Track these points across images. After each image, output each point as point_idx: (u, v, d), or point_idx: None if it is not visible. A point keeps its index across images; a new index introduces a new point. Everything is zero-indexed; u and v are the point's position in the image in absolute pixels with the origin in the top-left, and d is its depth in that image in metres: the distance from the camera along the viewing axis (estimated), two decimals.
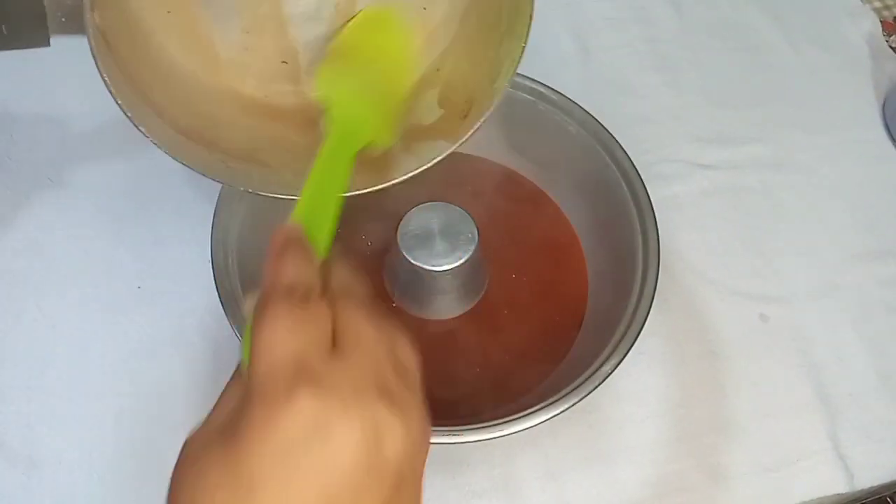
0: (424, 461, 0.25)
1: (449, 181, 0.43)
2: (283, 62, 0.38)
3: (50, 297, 0.47)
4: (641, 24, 0.63)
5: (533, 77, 0.47)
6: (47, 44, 0.31)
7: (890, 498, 0.44)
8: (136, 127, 0.31)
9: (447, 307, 0.46)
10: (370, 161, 0.37)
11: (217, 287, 0.40)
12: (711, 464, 0.44)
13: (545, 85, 0.47)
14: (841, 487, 0.44)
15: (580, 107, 0.47)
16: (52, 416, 0.43)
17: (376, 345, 0.24)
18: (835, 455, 0.45)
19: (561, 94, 0.47)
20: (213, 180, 0.34)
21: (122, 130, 0.31)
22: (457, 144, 0.37)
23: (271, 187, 0.36)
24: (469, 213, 0.44)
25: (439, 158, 0.37)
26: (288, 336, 0.22)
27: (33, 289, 0.47)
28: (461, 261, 0.42)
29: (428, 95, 0.39)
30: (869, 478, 0.44)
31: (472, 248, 0.43)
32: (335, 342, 0.23)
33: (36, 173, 0.51)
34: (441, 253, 0.42)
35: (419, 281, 0.44)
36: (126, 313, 0.46)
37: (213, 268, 0.40)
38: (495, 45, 0.37)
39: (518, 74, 0.47)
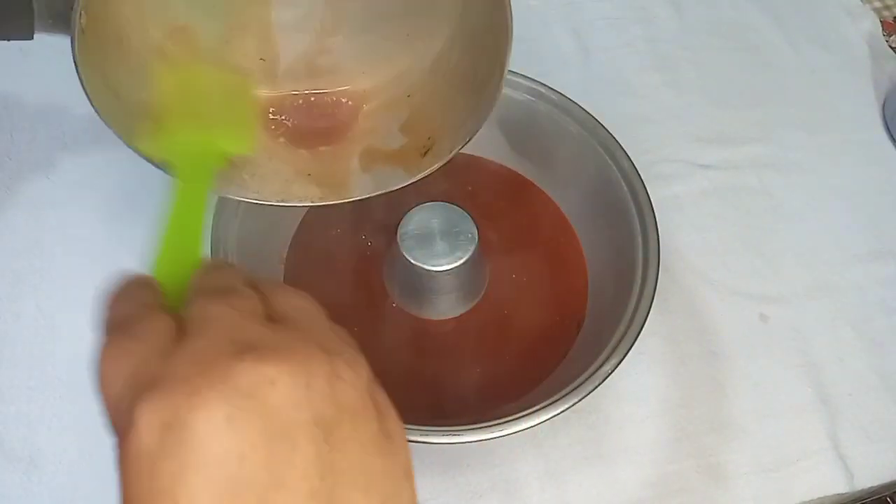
0: (362, 384, 0.21)
1: (449, 181, 0.43)
2: (262, 59, 0.39)
3: (50, 297, 0.47)
4: (641, 23, 0.63)
5: (533, 77, 0.47)
6: (31, 36, 0.31)
7: (890, 498, 0.44)
8: (113, 131, 0.32)
9: (447, 307, 0.46)
10: (328, 175, 0.39)
11: None
12: (711, 464, 0.44)
13: (545, 85, 0.47)
14: (841, 487, 0.44)
15: (580, 107, 0.47)
16: (52, 416, 0.43)
17: (230, 312, 0.21)
18: (835, 455, 0.45)
19: (561, 94, 0.47)
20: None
21: None
22: (414, 179, 0.38)
23: (231, 189, 0.37)
24: (469, 213, 0.44)
25: (397, 187, 0.39)
26: (119, 360, 0.20)
27: (33, 289, 0.47)
28: (461, 261, 0.42)
29: (393, 118, 0.40)
30: (869, 478, 0.44)
31: (472, 248, 0.43)
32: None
33: (36, 172, 0.51)
34: (441, 253, 0.42)
35: (419, 281, 0.44)
36: None
37: None
38: (466, 94, 0.38)
39: (518, 74, 0.48)
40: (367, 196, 0.39)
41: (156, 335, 0.20)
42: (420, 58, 0.39)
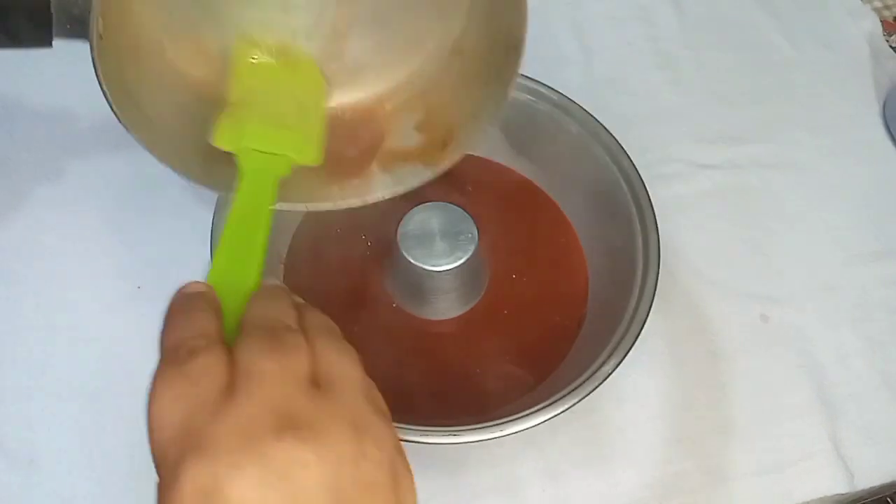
0: (386, 459, 0.23)
1: (449, 181, 0.43)
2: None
3: (50, 297, 0.47)
4: (642, 23, 0.63)
5: (533, 77, 0.47)
6: (50, 45, 0.31)
7: (890, 498, 0.44)
8: (133, 136, 0.32)
9: (447, 307, 0.46)
10: (348, 176, 0.38)
11: None
12: (712, 464, 0.44)
13: (545, 85, 0.47)
14: (841, 488, 0.44)
15: (580, 106, 0.47)
16: (52, 416, 0.43)
17: (279, 373, 0.22)
18: (835, 455, 0.45)
19: (561, 93, 0.47)
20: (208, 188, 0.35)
21: (122, 130, 0.31)
22: (435, 174, 0.38)
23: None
24: (469, 213, 0.44)
25: (419, 183, 0.38)
26: (173, 404, 0.21)
27: (33, 289, 0.47)
28: (461, 261, 0.42)
29: (408, 118, 0.39)
30: (869, 478, 0.44)
31: (472, 248, 0.43)
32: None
33: (36, 173, 0.51)
34: (441, 253, 0.42)
35: (419, 281, 0.44)
36: (126, 313, 0.46)
37: None
38: (482, 84, 0.37)
39: (518, 74, 0.47)
40: (390, 196, 0.38)
41: (209, 381, 0.22)
42: (433, 53, 0.39)
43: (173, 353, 0.23)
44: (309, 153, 0.35)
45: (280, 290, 0.27)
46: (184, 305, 0.25)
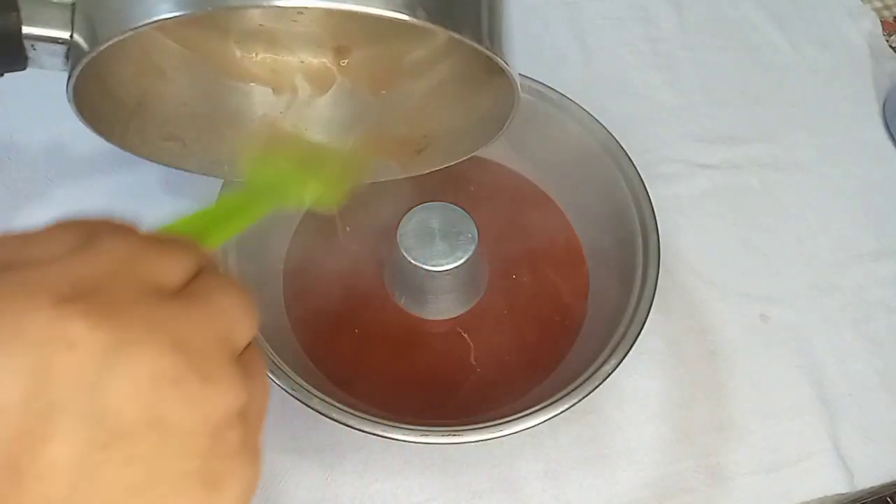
0: (210, 411, 0.17)
1: (449, 181, 0.43)
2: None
3: None
4: (642, 23, 0.63)
5: (533, 77, 0.47)
6: (23, 69, 0.31)
7: (890, 498, 0.44)
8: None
9: (447, 307, 0.46)
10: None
11: None
12: (711, 464, 0.44)
13: (545, 85, 0.47)
14: (841, 487, 0.44)
15: (580, 107, 0.47)
16: None
17: (126, 258, 0.17)
18: (835, 455, 0.45)
19: (561, 94, 0.47)
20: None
21: None
22: (404, 175, 0.39)
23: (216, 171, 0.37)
24: (469, 213, 0.44)
25: (384, 179, 0.39)
26: None
27: None
28: (461, 261, 0.42)
29: (396, 108, 0.40)
30: (869, 478, 0.44)
31: (472, 248, 0.43)
32: None
33: (35, 173, 0.51)
34: (441, 253, 0.42)
35: (419, 281, 0.44)
36: None
37: None
38: (466, 112, 0.38)
39: (518, 74, 0.47)
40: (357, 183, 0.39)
41: (47, 242, 0.17)
42: (429, 65, 0.39)
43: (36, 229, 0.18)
44: (323, 199, 0.36)
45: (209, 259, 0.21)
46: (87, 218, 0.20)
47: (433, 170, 0.39)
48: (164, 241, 0.19)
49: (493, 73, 0.30)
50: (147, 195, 0.50)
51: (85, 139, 0.32)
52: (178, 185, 0.51)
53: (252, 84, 0.37)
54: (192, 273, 0.19)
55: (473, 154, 0.39)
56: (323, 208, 0.36)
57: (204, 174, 0.37)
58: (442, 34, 0.25)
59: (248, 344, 0.19)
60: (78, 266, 0.16)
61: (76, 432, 0.15)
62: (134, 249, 0.17)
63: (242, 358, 0.19)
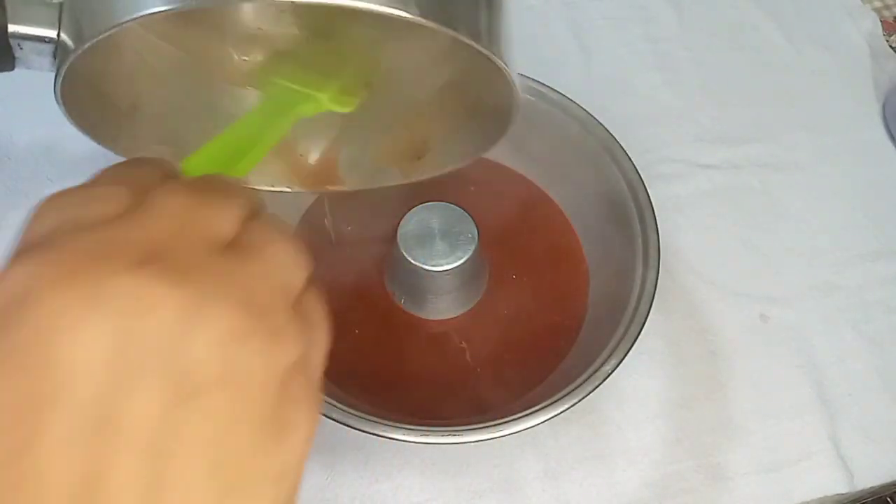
0: (273, 374, 0.18)
1: (449, 181, 0.43)
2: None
3: None
4: (642, 23, 0.63)
5: (533, 77, 0.47)
6: (12, 69, 0.31)
7: (890, 498, 0.44)
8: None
9: (447, 307, 0.46)
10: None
11: None
12: (711, 464, 0.44)
13: (545, 85, 0.47)
14: (841, 487, 0.44)
15: (580, 107, 0.47)
16: None
17: (185, 216, 0.18)
18: (835, 455, 0.45)
19: (561, 94, 0.47)
20: None
21: None
22: (406, 181, 0.38)
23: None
24: (469, 213, 0.44)
25: (385, 185, 0.39)
26: (47, 213, 0.18)
27: None
28: (461, 261, 0.42)
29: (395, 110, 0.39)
30: (869, 478, 0.44)
31: (472, 248, 0.43)
32: None
33: (35, 173, 0.51)
34: (441, 253, 0.42)
35: (419, 281, 0.44)
36: None
37: None
38: (468, 118, 0.37)
39: (518, 74, 0.47)
40: (356, 188, 0.39)
41: (101, 205, 0.18)
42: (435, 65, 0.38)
43: (88, 183, 0.19)
44: (341, 101, 0.34)
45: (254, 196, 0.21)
46: (128, 163, 0.21)
47: (434, 175, 0.38)
48: (214, 189, 0.19)
49: (492, 75, 0.30)
50: None
51: (85, 139, 0.32)
52: None
53: (249, 88, 0.37)
54: (245, 220, 0.19)
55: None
56: (343, 108, 0.34)
57: None
58: (437, 32, 0.25)
59: (305, 288, 0.20)
60: (142, 229, 0.17)
61: (159, 391, 0.16)
62: (189, 205, 0.18)
63: (301, 304, 0.20)
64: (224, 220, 0.19)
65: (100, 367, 0.15)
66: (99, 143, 0.32)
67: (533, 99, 0.48)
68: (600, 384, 0.38)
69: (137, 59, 0.34)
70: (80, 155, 0.52)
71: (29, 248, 0.17)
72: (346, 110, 0.35)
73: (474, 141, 0.37)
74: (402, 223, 0.43)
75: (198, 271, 0.17)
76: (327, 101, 0.33)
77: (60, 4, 0.27)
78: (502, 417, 0.37)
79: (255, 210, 0.20)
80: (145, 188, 0.18)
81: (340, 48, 0.35)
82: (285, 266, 0.19)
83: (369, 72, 0.36)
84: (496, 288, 0.47)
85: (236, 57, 0.37)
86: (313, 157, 0.40)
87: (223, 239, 0.18)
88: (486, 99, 0.35)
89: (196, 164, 0.24)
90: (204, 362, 0.16)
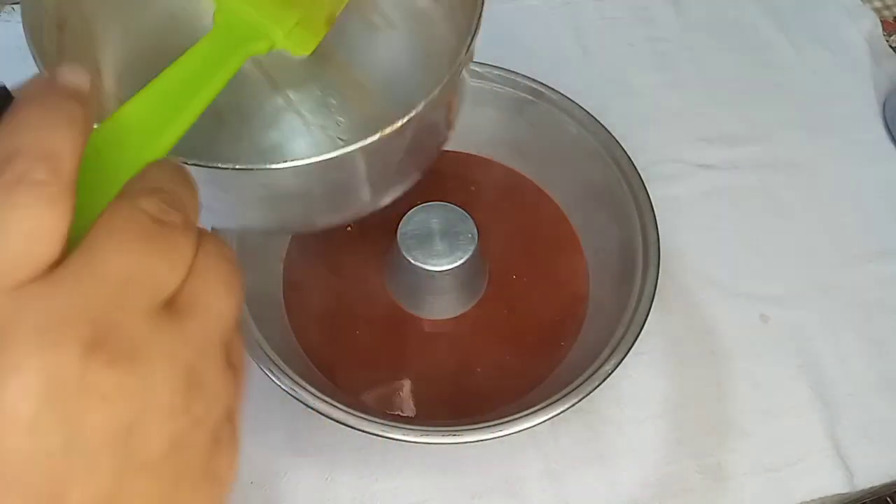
0: (212, 431, 0.19)
1: (449, 181, 0.43)
2: None
3: None
4: (642, 23, 0.63)
5: (533, 77, 0.47)
6: None
7: (890, 498, 0.44)
8: None
9: (447, 307, 0.46)
10: None
11: None
12: (711, 464, 0.44)
13: (545, 85, 0.47)
14: (841, 487, 0.44)
15: (580, 107, 0.47)
16: None
17: (129, 276, 0.17)
18: (835, 455, 0.45)
19: (561, 94, 0.47)
20: None
21: None
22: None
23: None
24: (469, 213, 0.44)
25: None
26: None
27: None
28: (461, 261, 0.42)
29: None
30: (869, 478, 0.44)
31: (472, 248, 0.43)
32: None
33: None
34: (441, 253, 0.42)
35: (419, 281, 0.44)
36: None
37: None
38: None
39: (518, 74, 0.47)
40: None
41: (28, 241, 0.16)
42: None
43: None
44: (298, 39, 0.31)
45: (186, 176, 0.20)
46: (45, 99, 0.18)
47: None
48: (161, 235, 0.18)
49: None
50: None
51: None
52: None
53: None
54: (189, 265, 0.19)
55: (476, 150, 0.36)
56: (298, 51, 0.31)
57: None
58: None
59: (236, 329, 0.21)
60: (84, 297, 0.16)
61: (110, 470, 0.17)
62: (134, 264, 0.17)
63: (231, 350, 0.20)
64: (169, 275, 0.18)
65: (56, 451, 0.16)
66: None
67: (533, 99, 0.48)
68: (600, 384, 0.38)
69: None
70: None
71: None
72: (301, 53, 0.31)
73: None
74: (402, 223, 0.43)
75: (145, 350, 0.17)
76: (282, 38, 0.30)
77: None
78: (502, 417, 0.37)
79: (202, 238, 0.20)
80: (62, 171, 0.17)
81: None
82: (222, 317, 0.19)
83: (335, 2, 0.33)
84: (496, 288, 0.47)
85: None
86: None
87: (166, 296, 0.18)
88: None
89: (132, 113, 0.21)
90: (152, 439, 0.17)
